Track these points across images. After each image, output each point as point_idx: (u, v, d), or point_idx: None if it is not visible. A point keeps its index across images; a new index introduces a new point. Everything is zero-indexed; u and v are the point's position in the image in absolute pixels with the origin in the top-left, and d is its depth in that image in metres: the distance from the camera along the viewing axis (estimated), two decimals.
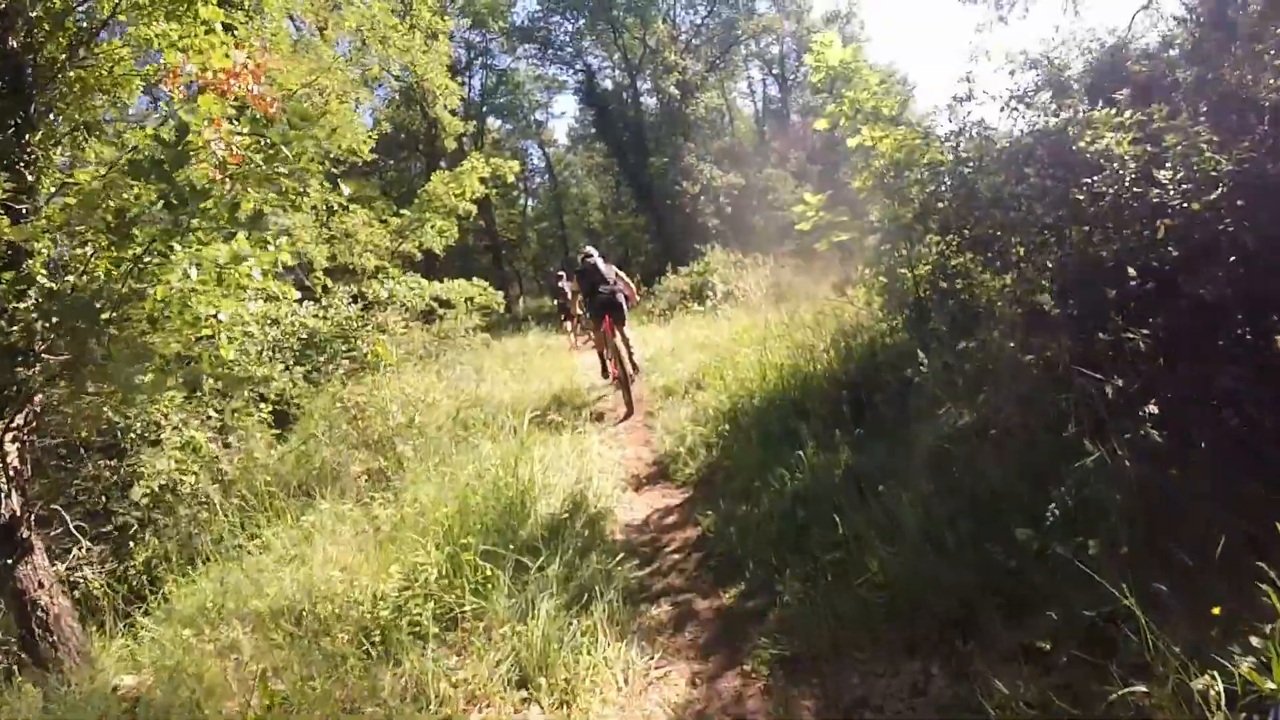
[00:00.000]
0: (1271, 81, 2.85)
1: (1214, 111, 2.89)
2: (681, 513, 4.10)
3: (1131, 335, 2.37)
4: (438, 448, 4.68)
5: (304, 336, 6.36)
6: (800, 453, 3.57)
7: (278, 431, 5.26)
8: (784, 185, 22.21)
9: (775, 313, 7.42)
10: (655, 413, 6.23)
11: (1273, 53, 3.13)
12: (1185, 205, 2.50)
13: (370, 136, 8.30)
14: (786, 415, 4.29)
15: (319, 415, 5.43)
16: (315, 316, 6.82)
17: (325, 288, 8.45)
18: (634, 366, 6.75)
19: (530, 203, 32.96)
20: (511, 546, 3.15)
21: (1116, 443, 2.25)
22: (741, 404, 4.97)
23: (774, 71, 28.89)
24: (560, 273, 14.08)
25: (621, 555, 3.42)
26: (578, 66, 26.54)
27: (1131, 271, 2.49)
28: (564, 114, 35.67)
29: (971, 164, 3.54)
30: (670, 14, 25.10)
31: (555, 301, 14.18)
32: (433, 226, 10.54)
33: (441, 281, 10.86)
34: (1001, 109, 4.26)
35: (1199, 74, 4.59)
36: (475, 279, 11.25)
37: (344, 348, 6.65)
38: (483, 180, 9.68)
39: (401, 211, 9.88)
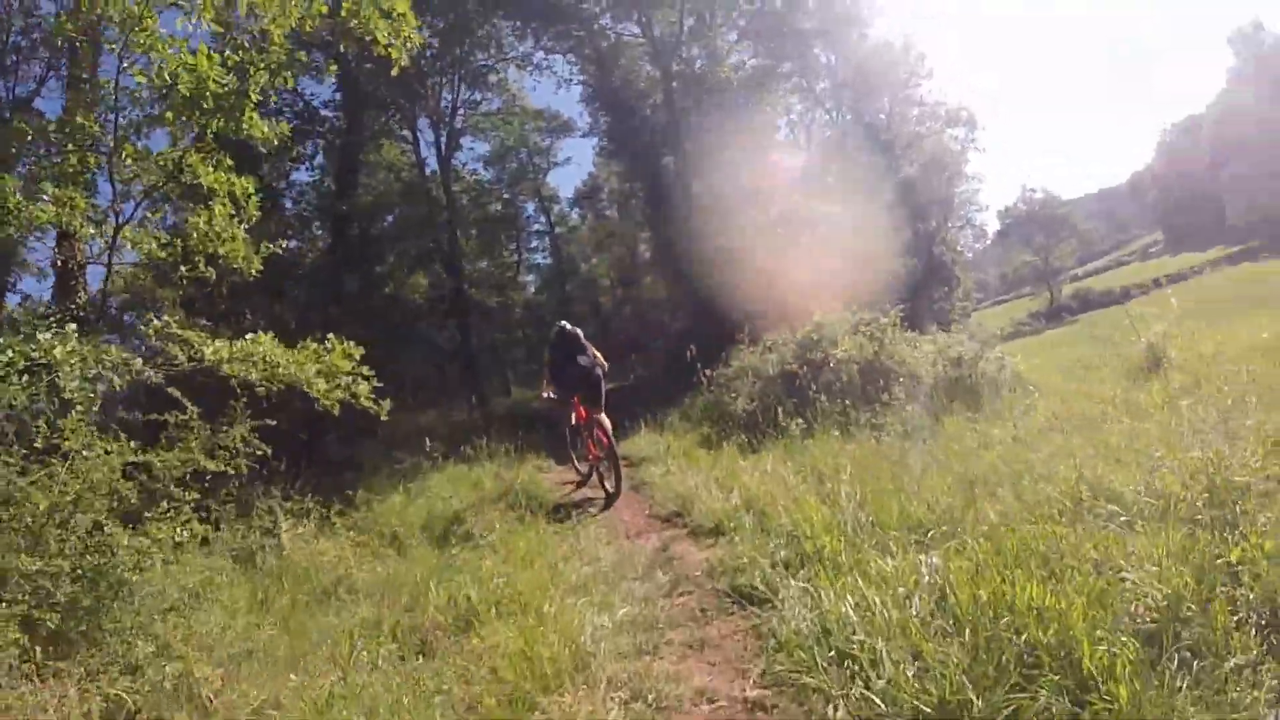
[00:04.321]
0: None
1: None
2: None
3: None
4: None
5: None
6: None
7: None
8: (875, 221, 15.52)
9: None
10: None
11: None
12: None
13: None
14: None
15: None
16: None
17: None
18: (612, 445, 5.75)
19: (532, 281, 26.96)
20: None
21: None
22: None
23: (828, 107, 21.09)
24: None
25: None
26: (584, 47, 17.11)
27: None
28: (569, 160, 29.96)
29: None
30: None
31: (547, 395, 7.57)
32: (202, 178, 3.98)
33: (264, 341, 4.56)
34: None
35: None
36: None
37: None
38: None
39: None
